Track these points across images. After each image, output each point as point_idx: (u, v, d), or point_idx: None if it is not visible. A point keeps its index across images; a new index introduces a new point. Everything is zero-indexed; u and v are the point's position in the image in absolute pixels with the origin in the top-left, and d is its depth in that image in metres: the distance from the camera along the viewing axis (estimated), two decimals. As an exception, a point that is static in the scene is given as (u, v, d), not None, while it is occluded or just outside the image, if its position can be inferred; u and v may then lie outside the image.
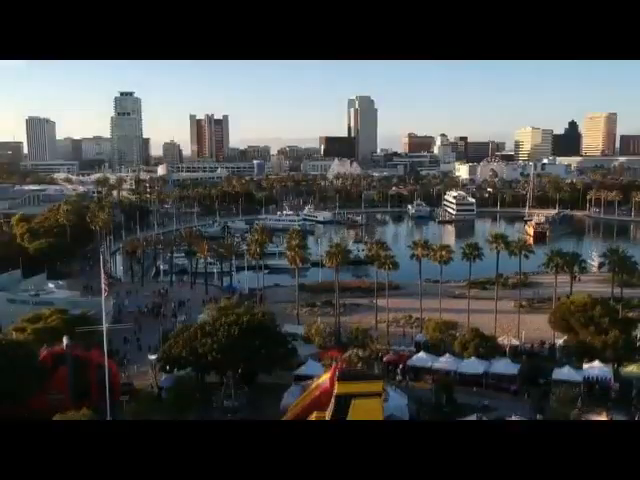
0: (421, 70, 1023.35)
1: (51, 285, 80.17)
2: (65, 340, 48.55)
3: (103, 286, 45.26)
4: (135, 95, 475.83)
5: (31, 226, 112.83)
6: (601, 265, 66.16)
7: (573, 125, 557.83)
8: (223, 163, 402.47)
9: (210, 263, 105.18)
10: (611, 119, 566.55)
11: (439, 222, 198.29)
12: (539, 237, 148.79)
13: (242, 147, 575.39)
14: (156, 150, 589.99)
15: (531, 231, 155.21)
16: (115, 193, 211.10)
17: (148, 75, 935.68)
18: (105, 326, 41.84)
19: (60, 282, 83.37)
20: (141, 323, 72.60)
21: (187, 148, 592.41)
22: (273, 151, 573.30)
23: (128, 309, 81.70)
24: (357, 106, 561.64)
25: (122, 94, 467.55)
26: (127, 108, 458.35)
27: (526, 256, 68.68)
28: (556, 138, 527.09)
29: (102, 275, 48.19)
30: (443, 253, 62.79)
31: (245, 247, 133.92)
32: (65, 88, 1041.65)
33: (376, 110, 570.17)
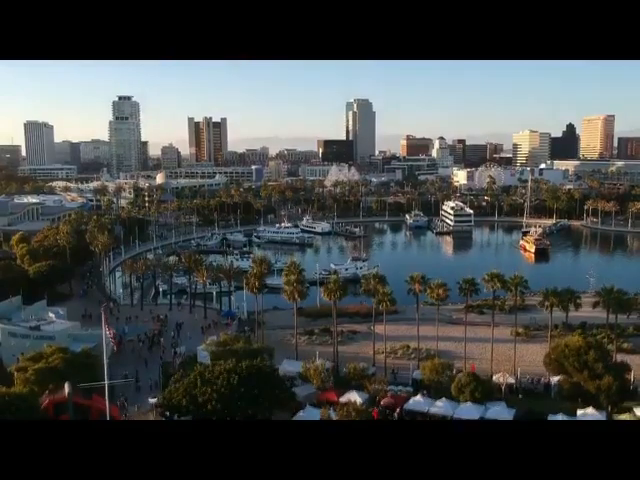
0: (420, 70, 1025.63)
1: (51, 314, 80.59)
2: (67, 388, 49.18)
3: (110, 344, 45.80)
4: (133, 99, 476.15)
5: (31, 247, 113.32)
6: (595, 304, 66.76)
7: (571, 128, 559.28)
8: (221, 168, 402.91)
9: (209, 283, 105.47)
10: (608, 121, 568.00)
11: (437, 233, 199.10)
12: (541, 254, 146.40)
13: (241, 147, 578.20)
14: (154, 149, 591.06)
15: (532, 247, 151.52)
16: (114, 205, 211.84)
17: (147, 75, 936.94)
18: (107, 382, 42.50)
19: (60, 311, 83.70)
20: (144, 357, 72.99)
21: (185, 148, 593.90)
22: (272, 151, 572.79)
23: (128, 338, 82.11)
24: (355, 109, 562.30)
25: (120, 98, 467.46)
26: (125, 112, 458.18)
27: (522, 292, 69.36)
28: (554, 141, 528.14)
29: (106, 332, 48.76)
30: (440, 292, 63.41)
31: (246, 264, 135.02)
32: (64, 90, 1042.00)
33: (374, 113, 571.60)
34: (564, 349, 53.46)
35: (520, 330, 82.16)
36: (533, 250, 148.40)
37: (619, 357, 69.58)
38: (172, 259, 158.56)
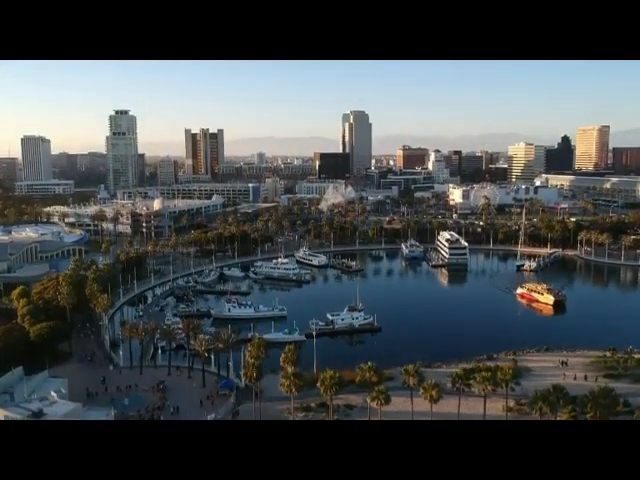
0: (420, 71, 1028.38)
1: (53, 394, 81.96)
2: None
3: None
4: (130, 113, 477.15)
5: (31, 306, 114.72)
6: (584, 408, 68.46)
7: (566, 140, 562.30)
8: (218, 185, 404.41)
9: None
10: (603, 132, 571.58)
11: (432, 266, 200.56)
12: (559, 306, 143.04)
13: (238, 148, 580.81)
14: (152, 150, 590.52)
15: (549, 299, 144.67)
16: (113, 233, 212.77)
17: (146, 75, 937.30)
18: None
19: (62, 389, 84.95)
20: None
21: (182, 149, 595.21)
22: (268, 152, 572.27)
23: (128, 412, 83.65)
24: (352, 120, 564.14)
25: (117, 112, 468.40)
26: (122, 127, 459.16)
27: (512, 388, 71.10)
28: (549, 153, 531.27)
29: None
30: (433, 393, 65.19)
31: (243, 311, 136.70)
32: (63, 92, 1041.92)
33: (370, 125, 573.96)
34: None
35: (512, 404, 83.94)
36: (551, 302, 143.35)
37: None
38: (170, 300, 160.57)
